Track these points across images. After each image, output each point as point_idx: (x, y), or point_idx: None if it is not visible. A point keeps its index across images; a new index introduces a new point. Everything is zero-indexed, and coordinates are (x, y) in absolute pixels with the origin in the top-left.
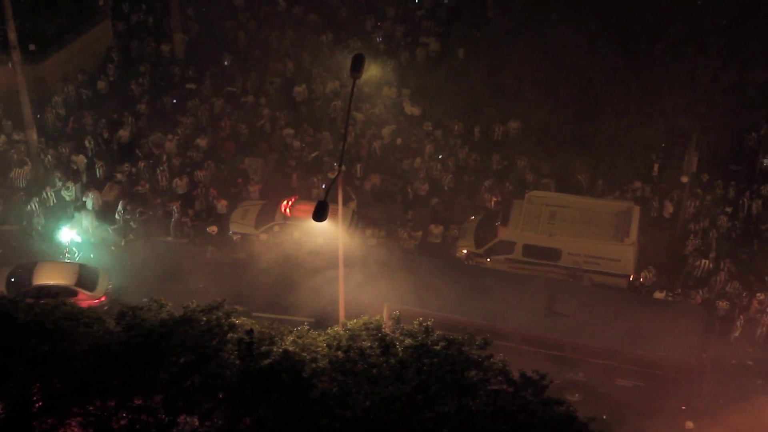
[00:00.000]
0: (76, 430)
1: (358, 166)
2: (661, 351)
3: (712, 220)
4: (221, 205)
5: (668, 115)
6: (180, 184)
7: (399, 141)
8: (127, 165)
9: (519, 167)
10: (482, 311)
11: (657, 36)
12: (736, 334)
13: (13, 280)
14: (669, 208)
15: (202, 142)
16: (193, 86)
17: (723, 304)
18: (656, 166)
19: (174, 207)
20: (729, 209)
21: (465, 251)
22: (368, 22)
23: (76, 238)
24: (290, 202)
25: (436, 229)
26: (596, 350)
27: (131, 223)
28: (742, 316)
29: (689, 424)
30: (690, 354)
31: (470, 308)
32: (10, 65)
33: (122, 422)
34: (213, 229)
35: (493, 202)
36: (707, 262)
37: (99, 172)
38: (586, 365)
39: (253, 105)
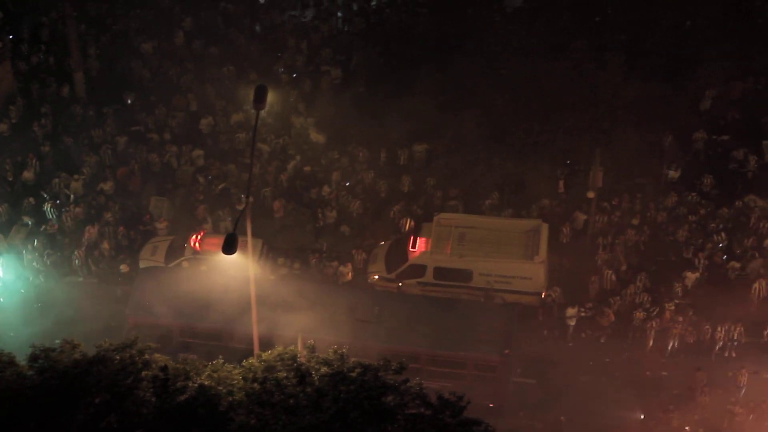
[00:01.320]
0: None
1: (266, 197)
2: (463, 350)
3: (620, 234)
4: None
5: (572, 132)
6: (92, 232)
7: (308, 169)
8: (29, 202)
9: (426, 190)
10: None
11: (558, 54)
12: (650, 345)
13: None
14: (580, 224)
15: (106, 186)
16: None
17: (639, 315)
18: (561, 183)
19: (77, 253)
20: (636, 222)
21: (376, 276)
22: (269, 54)
23: None
24: (199, 236)
25: (359, 256)
26: (400, 354)
27: (40, 265)
28: (654, 325)
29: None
30: (491, 351)
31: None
32: None
33: None
34: (125, 267)
35: (403, 226)
36: (612, 273)
37: (3, 216)
38: None
39: (157, 141)
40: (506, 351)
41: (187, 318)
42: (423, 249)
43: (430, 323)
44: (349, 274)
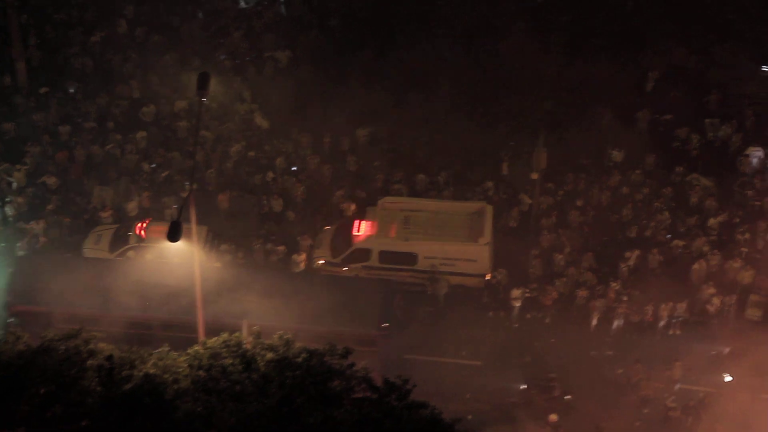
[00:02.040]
0: None
1: (211, 182)
2: (342, 326)
3: (564, 215)
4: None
5: (516, 114)
6: (36, 227)
7: (252, 154)
8: None
9: (371, 174)
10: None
11: (501, 37)
12: (594, 324)
13: None
14: (525, 206)
15: (49, 180)
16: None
17: (583, 293)
18: (504, 165)
19: (20, 245)
20: (580, 203)
21: (322, 261)
22: (212, 40)
23: None
24: (144, 225)
25: (305, 241)
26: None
27: None
28: (598, 307)
29: (553, 417)
30: (368, 326)
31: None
32: None
33: None
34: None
35: (347, 210)
36: (557, 255)
37: None
38: None
39: (101, 130)
40: (384, 325)
41: (67, 305)
42: (368, 233)
43: (310, 300)
44: (303, 263)
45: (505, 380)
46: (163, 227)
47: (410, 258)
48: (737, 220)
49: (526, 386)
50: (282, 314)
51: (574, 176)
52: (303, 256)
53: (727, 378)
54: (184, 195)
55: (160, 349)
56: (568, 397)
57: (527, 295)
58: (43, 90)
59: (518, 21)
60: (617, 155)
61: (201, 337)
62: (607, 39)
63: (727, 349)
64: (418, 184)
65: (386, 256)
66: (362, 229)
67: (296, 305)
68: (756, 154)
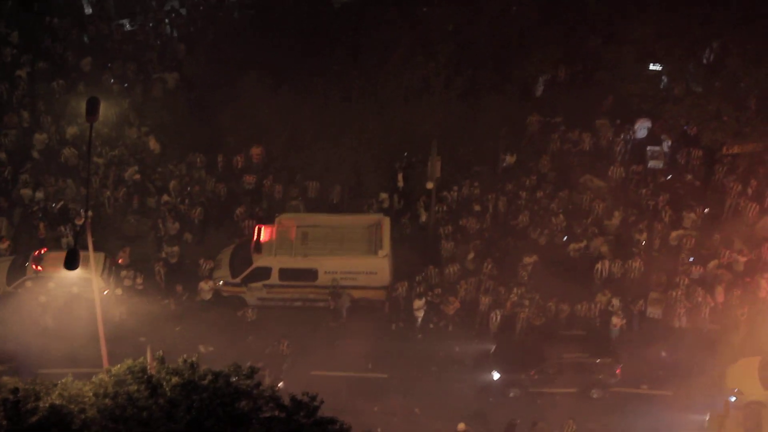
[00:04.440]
0: None
1: (107, 210)
2: None
3: (462, 223)
4: None
5: (407, 125)
6: None
7: (137, 177)
8: None
9: (266, 192)
10: None
11: (387, 48)
12: (495, 329)
13: None
14: (423, 215)
15: None
16: None
17: (485, 300)
18: (400, 176)
19: None
20: (477, 208)
21: (222, 282)
22: (99, 65)
23: None
24: (40, 254)
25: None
26: None
27: None
28: (498, 312)
29: (461, 426)
30: None
31: None
32: None
33: None
34: None
35: (246, 229)
36: (455, 266)
37: None
38: None
39: None
40: None
41: None
42: (266, 251)
43: None
44: (210, 292)
45: (413, 392)
46: (60, 255)
47: (310, 274)
48: (632, 218)
49: None
50: None
51: (470, 183)
52: (210, 284)
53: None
54: (80, 222)
55: (64, 379)
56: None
57: (429, 299)
58: None
59: (405, 32)
60: (510, 159)
61: (105, 364)
62: (490, 47)
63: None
64: (315, 200)
65: (286, 273)
66: (261, 247)
67: None
68: (652, 151)
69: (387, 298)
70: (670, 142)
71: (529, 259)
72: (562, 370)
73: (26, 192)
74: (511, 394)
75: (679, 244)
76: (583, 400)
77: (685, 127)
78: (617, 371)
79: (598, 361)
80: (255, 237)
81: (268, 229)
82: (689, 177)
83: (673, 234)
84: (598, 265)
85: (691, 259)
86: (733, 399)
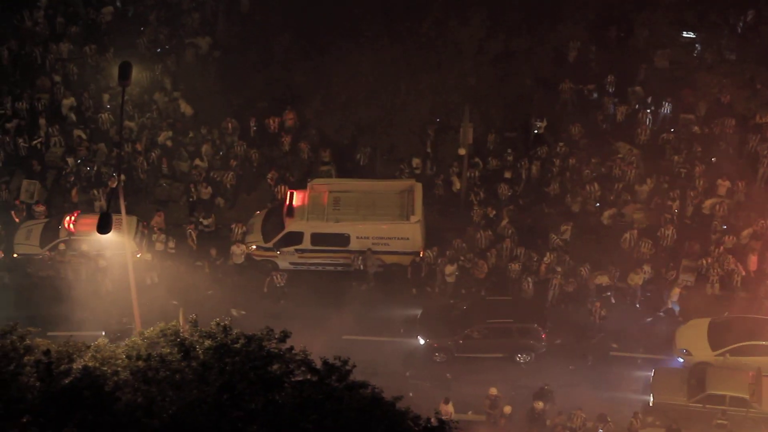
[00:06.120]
0: None
1: (140, 174)
2: None
3: (493, 189)
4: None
5: (439, 90)
6: None
7: (169, 144)
8: None
9: (299, 156)
10: None
11: (420, 13)
12: (528, 294)
13: None
14: (456, 183)
15: None
16: None
17: (515, 266)
18: (428, 142)
19: None
20: (509, 175)
21: (254, 246)
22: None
23: None
24: (73, 217)
25: (238, 229)
26: None
27: None
28: (530, 279)
29: (493, 390)
30: None
31: None
32: None
33: None
34: None
35: (278, 194)
36: (487, 232)
37: None
38: None
39: (26, 124)
40: None
41: None
42: (298, 216)
43: None
44: (243, 256)
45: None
46: (93, 219)
47: (343, 239)
48: (665, 186)
49: None
50: None
51: (501, 149)
52: (242, 248)
53: None
54: (112, 185)
55: (97, 341)
56: None
57: (461, 263)
58: None
59: None
60: (541, 125)
61: (138, 327)
62: (523, 11)
63: None
64: (347, 165)
65: (318, 238)
66: (293, 212)
67: None
68: (685, 119)
69: (410, 263)
70: (703, 110)
71: (565, 227)
72: (488, 335)
73: (56, 152)
74: (438, 359)
75: (712, 212)
76: (513, 365)
77: (718, 95)
78: (542, 336)
79: (523, 326)
80: (287, 202)
81: (300, 194)
82: (722, 145)
83: (707, 202)
84: (626, 235)
85: (724, 227)
86: (681, 360)
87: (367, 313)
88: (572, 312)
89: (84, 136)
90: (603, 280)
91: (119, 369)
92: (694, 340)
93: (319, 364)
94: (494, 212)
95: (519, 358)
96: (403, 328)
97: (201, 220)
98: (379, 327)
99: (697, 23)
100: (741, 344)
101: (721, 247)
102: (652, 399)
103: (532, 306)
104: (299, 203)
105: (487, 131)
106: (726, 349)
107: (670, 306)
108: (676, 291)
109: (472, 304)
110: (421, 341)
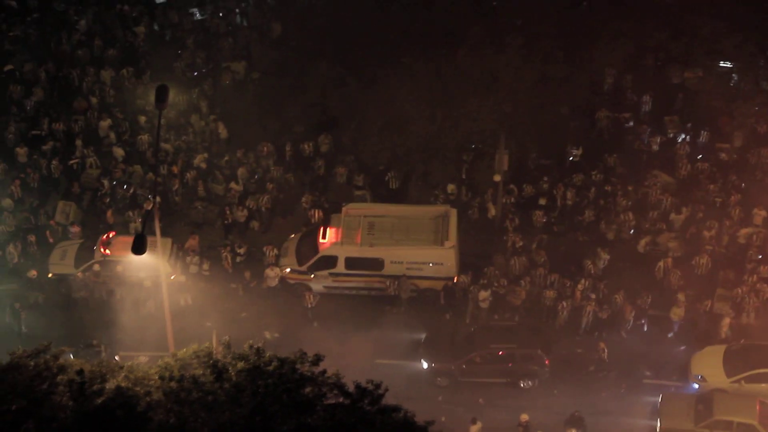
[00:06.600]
0: None
1: (175, 197)
2: None
3: (528, 216)
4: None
5: (474, 117)
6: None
7: (203, 165)
8: None
9: (334, 182)
10: None
11: (457, 41)
12: (562, 323)
13: None
14: (491, 210)
15: (5, 202)
16: None
17: (550, 294)
18: (464, 168)
19: None
20: (543, 202)
21: (288, 269)
22: (168, 53)
23: None
24: (108, 238)
25: (271, 252)
26: None
27: None
28: (565, 305)
29: (524, 417)
30: None
31: None
32: None
33: None
34: (33, 273)
35: (312, 217)
36: (522, 258)
37: None
38: None
39: (58, 146)
40: None
41: None
42: (333, 240)
43: None
44: (276, 279)
45: (477, 382)
46: (128, 240)
47: (377, 263)
48: (701, 215)
49: None
50: None
51: (536, 177)
52: (276, 271)
53: None
54: (148, 207)
55: (130, 363)
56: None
57: (495, 288)
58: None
59: (473, 25)
60: (577, 153)
61: (171, 348)
62: (559, 39)
63: None
64: (381, 190)
65: (353, 262)
66: (327, 236)
67: None
68: (721, 148)
69: (443, 288)
70: (739, 140)
71: (603, 254)
72: (491, 360)
73: (92, 173)
74: (442, 384)
75: (748, 242)
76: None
77: (754, 125)
78: (546, 362)
79: (526, 351)
80: (322, 226)
81: (335, 218)
82: (759, 174)
83: (743, 231)
84: (660, 264)
85: (760, 257)
86: (696, 386)
87: (400, 337)
88: (579, 342)
89: (122, 155)
90: (678, 313)
91: (152, 389)
92: (709, 367)
93: (351, 388)
94: (528, 239)
95: (522, 383)
96: (405, 352)
97: (237, 249)
98: (412, 351)
99: (734, 53)
100: (757, 371)
101: (756, 276)
102: (659, 424)
103: (537, 331)
104: (334, 227)
105: (522, 158)
106: (741, 376)
107: (723, 336)
108: (727, 321)
109: (477, 328)
110: (425, 365)
